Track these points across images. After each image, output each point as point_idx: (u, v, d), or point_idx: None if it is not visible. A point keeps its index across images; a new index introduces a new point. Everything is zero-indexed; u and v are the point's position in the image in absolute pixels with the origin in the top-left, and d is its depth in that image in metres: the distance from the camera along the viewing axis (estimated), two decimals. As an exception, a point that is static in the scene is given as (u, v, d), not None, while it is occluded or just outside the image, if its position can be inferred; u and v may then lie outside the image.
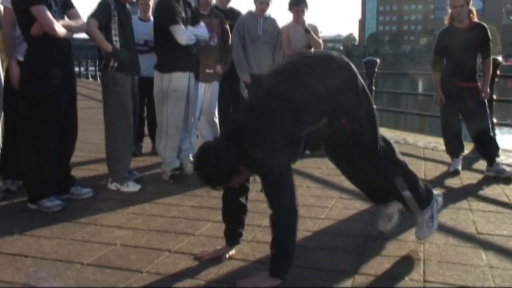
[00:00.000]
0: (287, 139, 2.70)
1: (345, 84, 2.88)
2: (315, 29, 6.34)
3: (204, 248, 3.19)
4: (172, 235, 3.44)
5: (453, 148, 5.49)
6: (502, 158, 5.63)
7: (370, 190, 3.38)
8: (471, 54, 5.31)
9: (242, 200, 3.09)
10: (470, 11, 5.32)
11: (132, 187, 4.58)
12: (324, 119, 2.89)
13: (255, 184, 4.62)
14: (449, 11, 5.42)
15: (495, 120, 6.70)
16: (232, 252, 3.08)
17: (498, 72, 6.68)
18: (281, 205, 2.66)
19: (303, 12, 6.21)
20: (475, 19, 5.38)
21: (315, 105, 2.81)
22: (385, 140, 3.14)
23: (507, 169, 5.23)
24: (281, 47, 6.35)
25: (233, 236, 3.08)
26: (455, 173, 5.27)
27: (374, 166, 3.08)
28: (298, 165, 5.70)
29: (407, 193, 3.13)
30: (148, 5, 6.22)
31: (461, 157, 5.49)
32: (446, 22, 5.52)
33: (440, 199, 3.38)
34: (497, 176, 5.12)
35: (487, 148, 5.36)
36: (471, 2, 5.33)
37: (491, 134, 5.55)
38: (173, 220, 3.76)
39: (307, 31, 6.19)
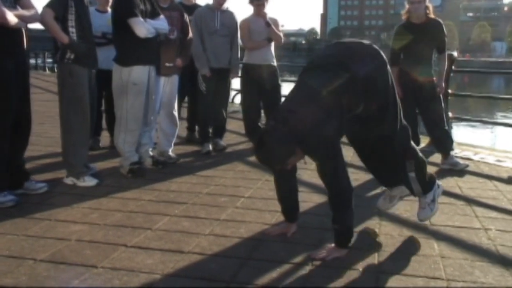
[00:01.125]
0: (336, 124, 2.90)
1: (378, 71, 3.08)
2: (275, 22, 6.35)
3: (162, 242, 3.18)
4: (129, 229, 3.41)
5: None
6: (456, 152, 5.77)
7: (383, 172, 3.56)
8: (427, 49, 5.42)
9: (295, 179, 3.37)
10: (426, 7, 5.43)
11: (89, 181, 4.52)
12: (362, 105, 3.06)
13: (209, 178, 4.63)
14: (407, 6, 5.51)
15: (450, 114, 6.86)
16: (295, 228, 3.37)
17: (453, 67, 6.83)
18: (339, 186, 2.95)
19: (263, 5, 6.21)
20: (432, 15, 5.49)
21: (355, 92, 2.98)
22: (403, 126, 3.32)
23: (461, 162, 5.37)
24: (241, 40, 6.34)
25: (293, 213, 3.40)
26: None
27: (391, 149, 3.29)
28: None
29: (413, 175, 3.39)
30: None
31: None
32: (403, 17, 5.62)
33: (441, 186, 3.65)
34: (452, 169, 5.25)
35: (442, 141, 5.48)
36: None
37: (446, 127, 5.67)
38: (130, 215, 3.72)
39: (268, 24, 6.20)
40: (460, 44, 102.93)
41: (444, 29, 5.49)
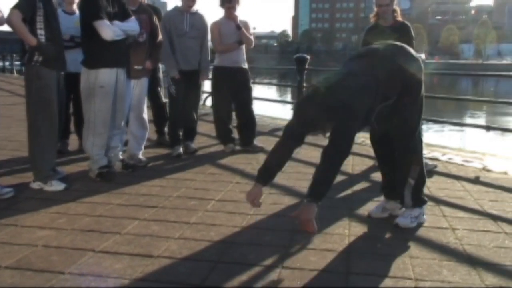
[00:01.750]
0: (367, 102, 3.15)
1: (417, 70, 3.41)
2: (246, 25, 6.34)
3: (131, 246, 3.14)
4: (97, 234, 3.37)
5: None
6: (425, 152, 5.83)
7: (393, 176, 3.76)
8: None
9: (293, 150, 3.50)
10: (394, 10, 5.48)
11: (57, 186, 4.45)
12: (394, 97, 3.31)
13: (179, 181, 4.61)
14: (375, 9, 5.56)
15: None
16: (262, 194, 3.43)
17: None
18: (341, 145, 3.10)
19: (234, 8, 6.20)
20: (399, 18, 5.55)
21: (394, 82, 3.28)
22: (420, 136, 3.63)
23: (430, 162, 5.43)
24: (212, 43, 6.32)
25: (270, 177, 3.45)
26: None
27: (407, 147, 3.56)
28: (228, 161, 5.74)
29: (412, 183, 3.59)
30: None
31: None
32: (372, 20, 5.66)
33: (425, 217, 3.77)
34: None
35: None
36: (395, 1, 5.49)
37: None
38: (99, 219, 3.67)
39: (238, 27, 6.19)
40: (429, 47, 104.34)
41: (412, 32, 5.54)
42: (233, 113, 6.60)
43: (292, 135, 3.39)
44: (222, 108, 6.43)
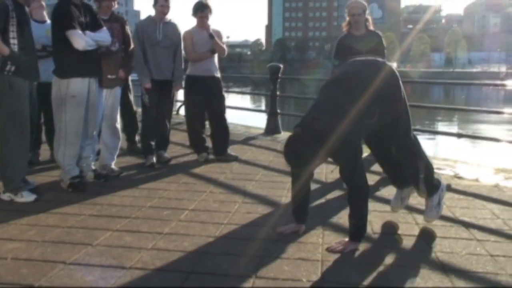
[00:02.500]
0: (358, 129, 3.31)
1: (392, 86, 3.55)
2: (219, 34, 6.34)
3: (103, 258, 3.10)
4: (68, 246, 3.31)
5: None
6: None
7: (396, 172, 3.96)
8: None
9: (309, 183, 3.68)
10: (366, 19, 5.54)
11: (27, 197, 4.37)
12: (377, 114, 3.43)
13: (152, 191, 4.56)
14: (347, 18, 5.61)
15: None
16: (303, 228, 3.65)
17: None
18: (358, 183, 3.34)
19: (207, 17, 6.19)
20: (371, 27, 5.62)
21: (373, 102, 3.35)
22: (414, 134, 3.80)
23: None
24: (184, 52, 6.30)
25: (304, 214, 3.68)
26: None
27: (406, 149, 3.73)
28: (202, 170, 5.72)
29: (422, 176, 3.76)
30: (42, 6, 5.98)
31: None
32: (344, 29, 5.71)
33: (445, 187, 4.00)
34: None
35: None
36: (367, 11, 5.55)
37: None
38: (70, 230, 3.62)
39: (211, 36, 6.18)
40: (401, 55, 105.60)
41: (384, 41, 5.61)
42: (207, 122, 6.59)
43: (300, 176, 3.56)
44: (195, 117, 6.40)
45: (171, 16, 6.11)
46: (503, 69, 77.26)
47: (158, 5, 5.95)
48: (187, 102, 6.52)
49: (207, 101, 6.27)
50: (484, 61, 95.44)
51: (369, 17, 5.62)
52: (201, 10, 6.16)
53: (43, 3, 6.02)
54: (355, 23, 5.54)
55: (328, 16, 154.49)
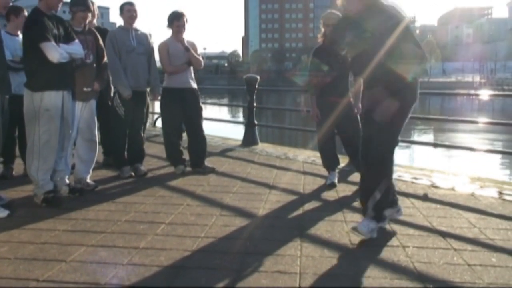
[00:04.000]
0: None
1: None
2: (193, 46, 6.31)
3: (77, 274, 3.03)
4: (42, 262, 3.24)
5: (329, 162, 5.71)
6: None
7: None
8: (342, 71, 5.49)
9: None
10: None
11: (0, 212, 4.28)
12: None
13: (128, 205, 4.50)
14: (323, 30, 5.61)
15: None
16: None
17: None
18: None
19: (184, 26, 6.17)
20: None
21: None
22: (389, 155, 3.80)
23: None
24: (161, 64, 6.26)
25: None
26: (332, 186, 5.46)
27: (381, 155, 3.75)
28: (179, 182, 5.67)
29: (378, 196, 3.73)
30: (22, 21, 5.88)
31: (337, 170, 5.70)
32: (319, 40, 5.71)
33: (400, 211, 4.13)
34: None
35: (357, 158, 5.58)
36: None
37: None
38: (44, 247, 3.54)
39: (187, 49, 6.15)
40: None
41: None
42: (184, 134, 6.54)
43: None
44: (172, 129, 6.35)
45: (139, 27, 6.11)
46: (477, 79, 78.45)
47: (125, 10, 5.97)
48: (164, 115, 6.46)
49: (184, 113, 6.23)
50: (459, 71, 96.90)
51: None
52: (178, 19, 6.14)
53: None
54: (330, 34, 5.53)
55: (304, 27, 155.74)
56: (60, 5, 4.75)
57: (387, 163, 3.80)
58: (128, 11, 5.95)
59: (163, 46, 6.21)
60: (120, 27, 6.08)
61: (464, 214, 4.47)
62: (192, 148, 6.39)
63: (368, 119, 3.79)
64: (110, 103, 6.05)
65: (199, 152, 6.39)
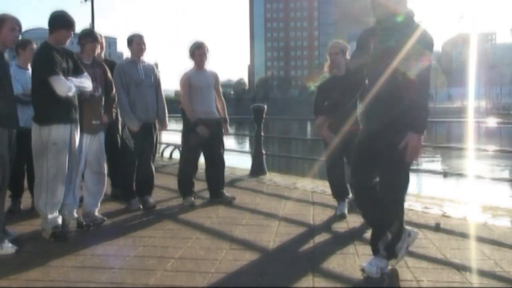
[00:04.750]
0: None
1: None
2: (216, 77, 6.47)
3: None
4: (50, 301, 3.19)
5: (339, 192, 5.65)
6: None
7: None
8: (350, 99, 5.46)
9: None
10: (346, 60, 5.53)
11: (7, 248, 4.22)
12: None
13: (137, 239, 4.44)
14: (328, 59, 5.65)
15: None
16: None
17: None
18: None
19: (205, 54, 6.25)
20: None
21: None
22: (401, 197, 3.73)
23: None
24: (181, 96, 6.29)
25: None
26: (342, 216, 5.40)
27: (394, 198, 3.65)
28: (188, 215, 5.62)
29: (389, 236, 3.63)
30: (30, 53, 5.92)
31: (347, 200, 5.62)
32: (325, 70, 5.75)
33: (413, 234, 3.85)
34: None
35: None
36: (348, 52, 5.58)
37: None
38: (52, 284, 3.49)
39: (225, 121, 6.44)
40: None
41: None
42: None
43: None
44: (190, 158, 6.35)
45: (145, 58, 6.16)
46: (482, 103, 78.47)
47: (134, 43, 5.98)
48: (184, 144, 6.47)
49: (206, 143, 6.23)
50: (464, 96, 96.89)
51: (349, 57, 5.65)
52: (198, 48, 6.22)
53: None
54: (333, 62, 5.59)
55: (309, 54, 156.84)
56: (68, 40, 4.79)
57: (400, 204, 3.70)
58: (137, 44, 5.97)
59: (185, 80, 6.25)
60: (127, 59, 6.10)
61: (478, 245, 4.40)
62: (212, 177, 6.40)
63: (380, 156, 3.59)
64: (120, 135, 6.05)
65: (219, 181, 6.40)
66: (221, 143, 6.41)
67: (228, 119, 6.57)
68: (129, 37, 6.05)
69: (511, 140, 28.29)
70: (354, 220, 5.29)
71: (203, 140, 6.15)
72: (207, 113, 6.22)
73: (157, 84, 6.14)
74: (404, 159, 3.41)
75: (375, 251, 3.68)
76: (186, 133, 6.32)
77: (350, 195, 5.92)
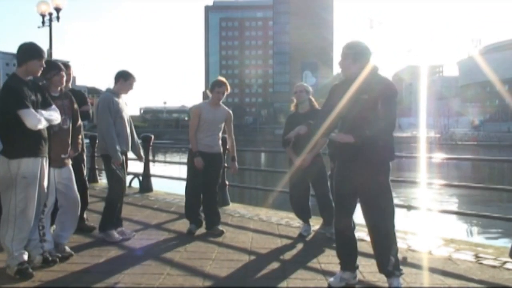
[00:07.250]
0: None
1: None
2: (228, 115, 6.62)
3: None
4: None
5: (299, 212, 6.40)
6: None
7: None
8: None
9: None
10: (310, 100, 6.27)
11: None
12: None
13: (106, 274, 4.33)
14: (295, 100, 6.34)
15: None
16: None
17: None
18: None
19: (223, 93, 6.43)
20: (316, 106, 6.18)
21: None
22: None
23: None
24: (189, 126, 6.50)
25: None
26: (302, 236, 6.14)
27: (387, 229, 4.22)
28: (156, 248, 5.53)
29: (393, 260, 4.18)
30: None
31: (310, 222, 6.30)
32: (292, 108, 6.44)
33: None
34: (331, 238, 5.52)
35: (327, 210, 5.99)
36: (311, 92, 6.33)
37: (331, 198, 5.84)
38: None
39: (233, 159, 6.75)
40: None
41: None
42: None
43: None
44: (194, 191, 6.51)
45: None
46: (431, 133, 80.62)
47: (127, 83, 6.13)
48: (189, 176, 6.61)
49: (204, 175, 6.39)
50: (413, 126, 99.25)
51: (313, 98, 6.30)
52: (219, 86, 6.42)
53: None
54: (298, 99, 6.24)
55: (263, 83, 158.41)
56: (40, 71, 4.72)
57: (393, 229, 4.23)
58: (129, 85, 6.14)
59: (196, 111, 6.45)
60: (112, 92, 6.10)
61: (445, 280, 4.50)
62: (208, 209, 6.56)
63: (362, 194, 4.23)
64: (111, 167, 6.01)
65: (215, 213, 6.59)
66: (217, 178, 6.63)
67: (236, 157, 6.79)
68: (125, 73, 6.16)
69: (458, 171, 29.43)
70: (327, 254, 5.32)
71: (205, 172, 6.36)
72: (209, 147, 6.41)
73: (128, 116, 6.18)
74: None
75: (389, 275, 4.17)
76: (191, 165, 6.48)
77: (316, 227, 6.24)
